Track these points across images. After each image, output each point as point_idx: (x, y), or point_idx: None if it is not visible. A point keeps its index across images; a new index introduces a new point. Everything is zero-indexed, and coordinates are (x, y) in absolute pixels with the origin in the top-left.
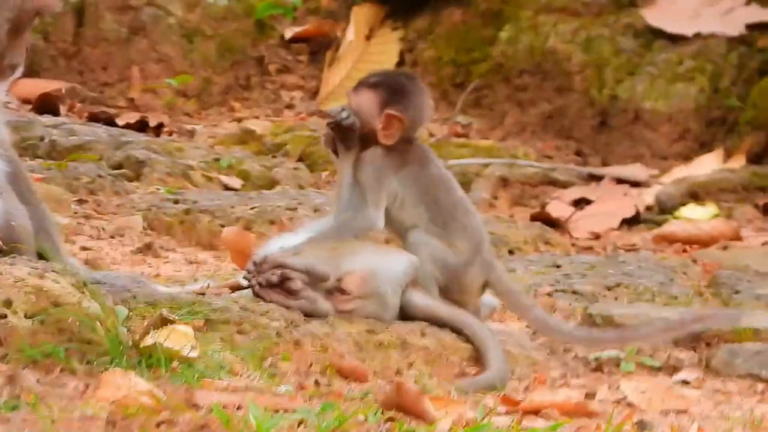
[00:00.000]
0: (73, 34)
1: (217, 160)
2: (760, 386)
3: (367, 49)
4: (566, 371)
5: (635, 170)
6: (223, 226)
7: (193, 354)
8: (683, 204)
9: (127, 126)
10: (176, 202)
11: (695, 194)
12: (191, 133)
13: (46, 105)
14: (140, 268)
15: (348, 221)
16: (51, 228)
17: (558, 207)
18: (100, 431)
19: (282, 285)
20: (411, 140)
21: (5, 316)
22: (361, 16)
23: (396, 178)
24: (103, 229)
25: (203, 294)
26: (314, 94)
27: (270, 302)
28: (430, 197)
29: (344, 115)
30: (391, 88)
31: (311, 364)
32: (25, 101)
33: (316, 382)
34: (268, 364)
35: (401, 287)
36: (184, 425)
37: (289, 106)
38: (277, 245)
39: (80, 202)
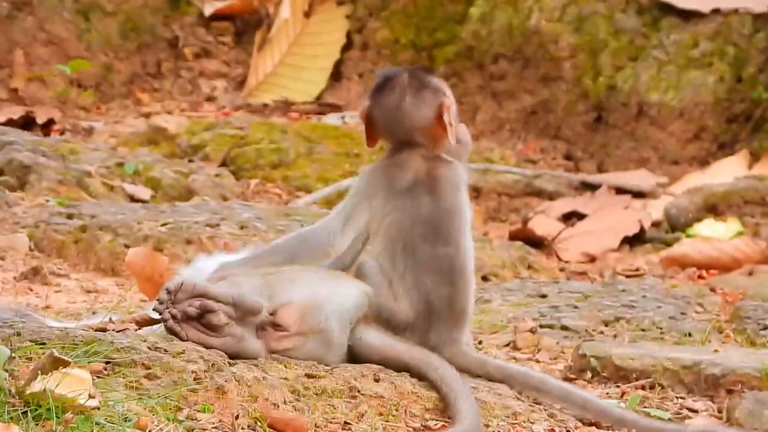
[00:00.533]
0: None
1: (120, 164)
2: None
3: (306, 28)
4: (553, 425)
5: (639, 178)
6: (127, 246)
7: (92, 403)
8: (698, 219)
9: (9, 123)
10: (70, 216)
11: (713, 207)
12: (88, 132)
13: None
14: (26, 299)
15: (303, 234)
16: None
17: (543, 223)
18: None
19: (202, 319)
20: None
21: None
22: None
23: (378, 199)
24: None
25: (104, 330)
26: (241, 83)
27: (187, 340)
28: (404, 238)
29: None
30: (377, 79)
31: (237, 416)
32: None
33: None
34: (185, 415)
35: (350, 323)
36: None
37: (210, 99)
38: (199, 268)
39: None
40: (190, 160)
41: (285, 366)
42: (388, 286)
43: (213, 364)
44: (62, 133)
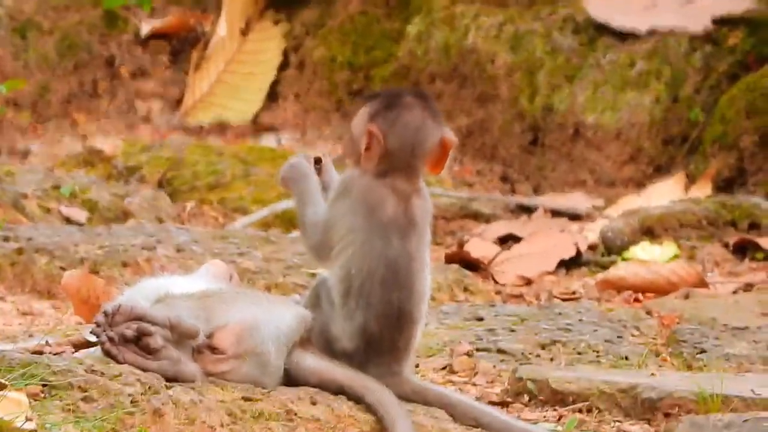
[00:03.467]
0: None
1: (57, 187)
2: None
3: (243, 47)
4: None
5: (575, 200)
6: (64, 269)
7: (29, 426)
8: (634, 242)
9: None
10: (6, 239)
11: (650, 230)
12: (24, 154)
13: None
14: None
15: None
16: None
17: (479, 246)
18: None
19: (139, 342)
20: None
21: None
22: (235, 7)
23: (350, 225)
24: None
25: (40, 353)
26: (177, 103)
27: (123, 363)
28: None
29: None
30: (384, 100)
31: None
32: None
33: None
34: None
35: (287, 346)
36: None
37: (146, 119)
38: (138, 291)
39: None
40: (127, 182)
41: (222, 389)
42: (333, 311)
43: (150, 387)
44: None
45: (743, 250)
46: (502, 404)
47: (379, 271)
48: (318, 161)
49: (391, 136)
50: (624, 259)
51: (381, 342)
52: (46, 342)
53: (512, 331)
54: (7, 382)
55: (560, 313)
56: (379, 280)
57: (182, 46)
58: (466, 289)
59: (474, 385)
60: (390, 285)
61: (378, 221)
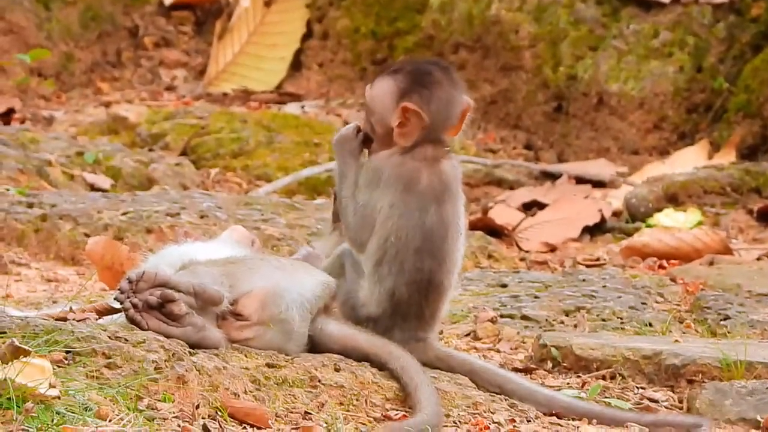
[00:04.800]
0: None
1: (80, 154)
2: None
3: (266, 17)
4: (514, 414)
5: (599, 167)
6: (88, 235)
7: (52, 392)
8: (659, 209)
9: None
10: (30, 205)
11: (674, 197)
12: (49, 121)
13: None
14: None
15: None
16: None
17: (504, 212)
18: None
19: (163, 308)
20: (433, 147)
21: None
22: None
23: (387, 198)
24: None
25: (64, 319)
26: (201, 72)
27: (147, 329)
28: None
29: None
30: (413, 76)
31: (198, 406)
32: None
33: (205, 428)
34: (145, 405)
35: (311, 313)
36: None
37: (170, 88)
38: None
39: None
40: (151, 150)
41: (245, 356)
42: (360, 278)
43: (174, 354)
44: (22, 122)
45: (767, 216)
46: (526, 371)
47: (416, 240)
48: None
49: (427, 112)
50: (648, 226)
51: (408, 308)
52: (70, 309)
53: (536, 297)
54: (30, 349)
55: (584, 280)
56: (414, 248)
57: (206, 17)
58: (490, 256)
59: (498, 351)
60: (424, 254)
61: (414, 193)
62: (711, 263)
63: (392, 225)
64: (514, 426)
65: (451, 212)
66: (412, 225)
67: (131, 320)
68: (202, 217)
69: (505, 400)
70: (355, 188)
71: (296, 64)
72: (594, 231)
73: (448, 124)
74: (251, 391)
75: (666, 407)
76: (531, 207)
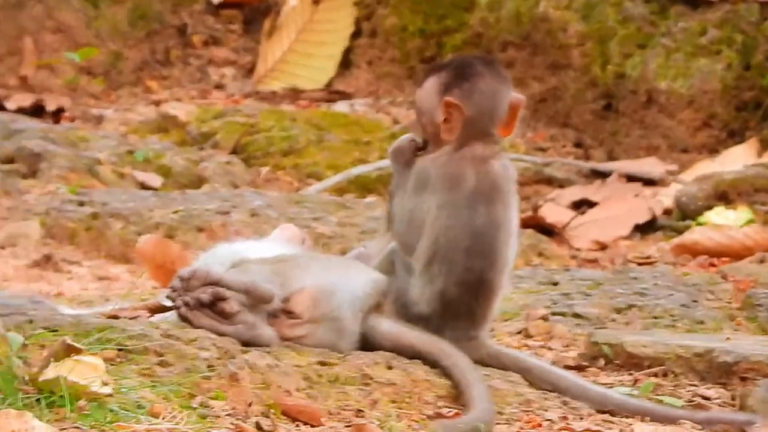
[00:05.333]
0: None
1: (130, 152)
2: None
3: (315, 15)
4: (567, 412)
5: (649, 165)
6: (139, 234)
7: (105, 390)
8: (709, 207)
9: (19, 111)
10: (81, 204)
11: (724, 195)
12: (98, 120)
13: None
14: (37, 286)
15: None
16: None
17: (554, 211)
18: None
19: (214, 306)
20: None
21: None
22: None
23: (435, 199)
24: None
25: (116, 317)
26: (249, 71)
27: (199, 328)
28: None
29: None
30: (456, 71)
31: (251, 404)
32: None
33: (258, 426)
34: (198, 403)
35: (362, 311)
36: None
37: (219, 86)
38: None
39: None
40: (201, 148)
41: (297, 353)
42: (411, 277)
43: (226, 352)
44: (72, 120)
45: None
46: (578, 368)
47: (465, 240)
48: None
49: (469, 105)
50: (698, 224)
51: (459, 307)
52: (122, 307)
53: (587, 295)
54: (83, 347)
55: (635, 278)
56: (464, 248)
57: (254, 15)
58: (540, 254)
59: (549, 349)
60: (474, 254)
61: (461, 192)
62: (762, 261)
63: (441, 225)
64: (567, 424)
65: (501, 211)
66: (460, 225)
67: (183, 318)
68: (252, 215)
69: (558, 397)
70: (405, 193)
71: (345, 62)
72: (644, 229)
73: (493, 118)
74: (304, 389)
75: (718, 405)
76: (581, 205)
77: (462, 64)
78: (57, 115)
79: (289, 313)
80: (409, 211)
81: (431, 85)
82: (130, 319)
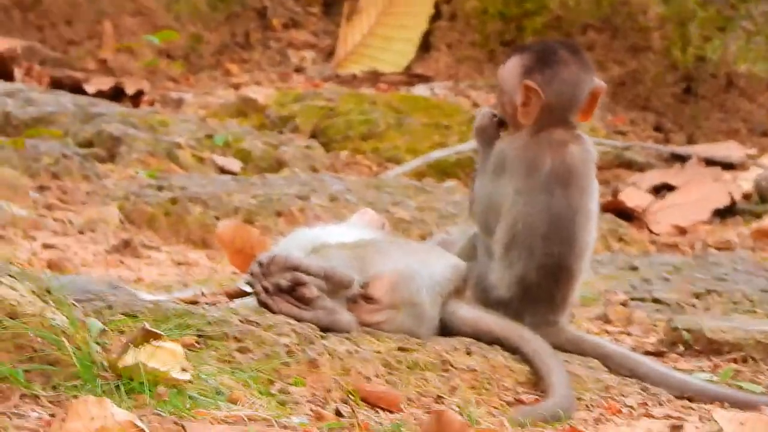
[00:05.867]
0: None
1: (210, 136)
2: None
3: None
4: (646, 398)
5: (729, 149)
6: (218, 218)
7: (184, 377)
8: None
9: (99, 94)
10: (160, 188)
11: None
12: (178, 103)
13: None
14: (116, 271)
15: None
16: None
17: (634, 195)
18: None
19: (294, 292)
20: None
21: None
22: None
23: (511, 185)
24: (70, 222)
25: (195, 303)
26: (329, 54)
27: (278, 313)
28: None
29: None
30: (540, 54)
31: (330, 390)
32: None
33: (337, 412)
34: (277, 389)
35: (442, 296)
36: None
37: (299, 70)
38: (297, 242)
39: (41, 189)
40: (280, 132)
41: (377, 339)
42: (491, 261)
43: (305, 338)
44: (151, 104)
45: None
46: (657, 354)
47: (543, 225)
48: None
49: (549, 90)
50: None
51: (538, 292)
52: (201, 292)
53: (667, 280)
54: (162, 333)
55: (715, 263)
56: (542, 233)
57: None
58: (620, 239)
59: (629, 334)
60: (552, 239)
61: (538, 177)
62: None
63: (518, 211)
64: (647, 410)
65: (579, 197)
66: (537, 210)
67: (262, 304)
68: (332, 200)
69: (637, 383)
70: (486, 175)
71: (425, 46)
72: (724, 213)
73: (572, 105)
74: (383, 375)
75: None
76: (661, 189)
77: (546, 48)
78: (136, 98)
79: (369, 299)
80: (488, 195)
81: (513, 65)
82: (209, 304)
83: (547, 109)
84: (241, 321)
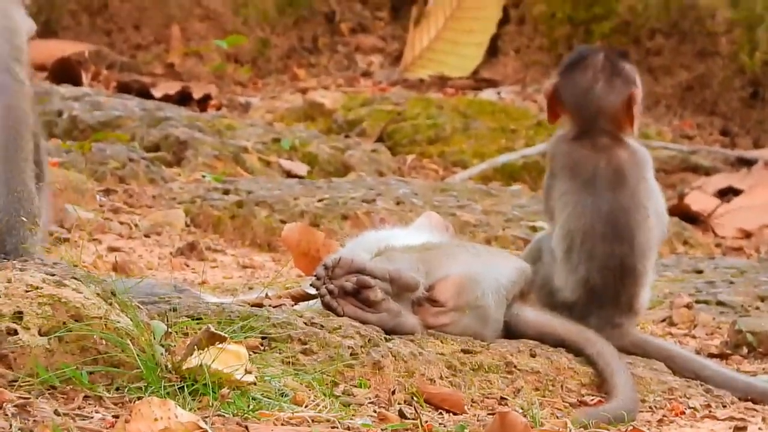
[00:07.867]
0: None
1: (276, 140)
2: None
3: (463, 3)
4: (710, 400)
5: None
6: (284, 222)
7: (248, 378)
8: None
9: (166, 98)
10: (226, 192)
11: None
12: (245, 107)
13: (65, 72)
14: (182, 274)
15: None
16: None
17: (699, 198)
18: None
19: (359, 294)
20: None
21: (15, 332)
22: None
23: (561, 186)
24: (136, 225)
25: (260, 306)
26: (397, 58)
27: (343, 316)
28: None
29: None
30: (569, 60)
31: (394, 392)
32: (40, 67)
33: (401, 414)
34: (341, 391)
35: (506, 299)
36: None
37: (366, 74)
38: (362, 245)
39: (107, 192)
40: (347, 136)
41: (441, 341)
42: (556, 264)
43: (369, 340)
44: (219, 108)
45: None
46: (722, 356)
47: (597, 226)
48: None
49: (565, 94)
50: None
51: (603, 294)
52: (266, 295)
53: (731, 283)
54: (226, 335)
55: None
56: (599, 234)
57: (401, 3)
58: (685, 242)
59: (693, 337)
60: (610, 239)
61: (583, 179)
62: None
63: (569, 213)
64: (710, 411)
65: (629, 197)
66: (588, 212)
67: (327, 306)
68: (398, 203)
69: (701, 385)
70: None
71: (492, 50)
72: None
73: (595, 110)
74: (447, 377)
75: None
76: (727, 193)
77: (579, 53)
78: (203, 102)
79: (434, 302)
80: (545, 191)
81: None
82: (274, 307)
83: (570, 113)
84: (305, 323)
